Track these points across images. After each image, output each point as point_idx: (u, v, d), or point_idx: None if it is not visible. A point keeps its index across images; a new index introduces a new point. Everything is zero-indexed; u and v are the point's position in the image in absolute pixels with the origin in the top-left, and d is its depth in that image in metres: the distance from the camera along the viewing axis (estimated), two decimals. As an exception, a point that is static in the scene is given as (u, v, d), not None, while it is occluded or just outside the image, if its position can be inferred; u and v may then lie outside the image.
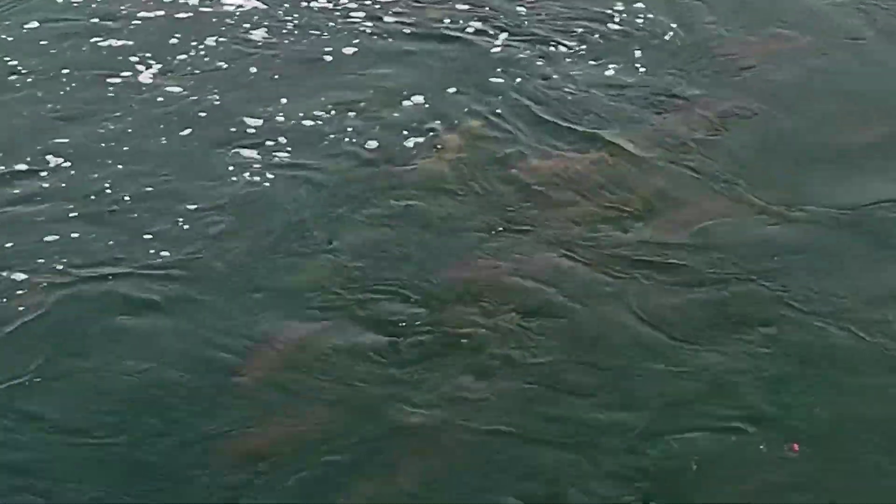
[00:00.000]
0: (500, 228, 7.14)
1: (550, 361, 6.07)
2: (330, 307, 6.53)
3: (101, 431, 5.69)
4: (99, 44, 9.14)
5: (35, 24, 9.44)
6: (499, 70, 8.78)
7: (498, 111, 8.24)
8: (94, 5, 9.72)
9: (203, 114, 8.24)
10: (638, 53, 8.89)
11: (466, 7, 9.65)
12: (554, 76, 8.68)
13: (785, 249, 6.83)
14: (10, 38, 9.40)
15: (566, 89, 8.46)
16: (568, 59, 9.00)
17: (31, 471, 5.54)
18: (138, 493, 5.48)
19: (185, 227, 7.07)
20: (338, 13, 9.66)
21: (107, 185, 7.49)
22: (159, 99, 8.55)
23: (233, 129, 8.08)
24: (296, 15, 9.69)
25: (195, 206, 7.30)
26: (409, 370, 6.10)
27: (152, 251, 6.76)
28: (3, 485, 5.57)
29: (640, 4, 9.62)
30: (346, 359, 6.14)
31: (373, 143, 7.87)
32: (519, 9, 9.71)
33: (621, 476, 5.41)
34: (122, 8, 9.66)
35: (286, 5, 9.76)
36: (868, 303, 6.33)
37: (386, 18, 9.56)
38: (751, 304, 6.39)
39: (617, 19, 9.38)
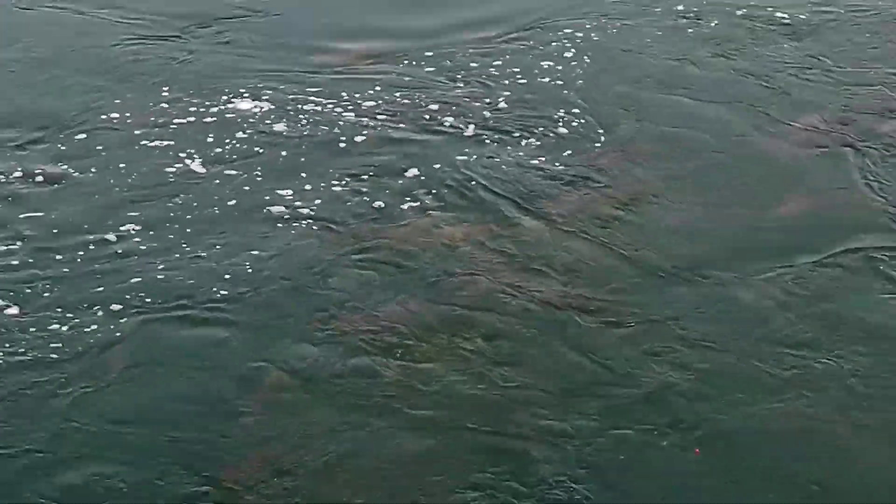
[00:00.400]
0: (458, 274, 7.93)
1: (515, 377, 6.90)
2: (335, 337, 7.24)
3: (159, 422, 6.49)
4: (147, 145, 9.71)
5: (82, 136, 9.79)
6: (466, 151, 9.55)
7: (464, 186, 9.03)
8: (129, 121, 10.08)
9: (246, 188, 9.04)
10: (569, 151, 9.61)
11: (437, 107, 10.25)
12: (505, 161, 9.39)
13: (682, 301, 7.74)
14: (61, 147, 9.81)
15: (513, 171, 9.23)
16: (514, 148, 9.66)
17: (106, 448, 6.28)
18: (182, 465, 6.23)
19: (235, 270, 7.90)
20: (335, 114, 10.19)
21: (180, 242, 8.30)
22: (213, 181, 9.28)
23: (267, 198, 8.93)
24: (305, 114, 10.24)
25: (243, 255, 8.14)
26: (398, 384, 6.75)
27: (214, 289, 7.67)
28: (88, 452, 6.27)
29: (577, 111, 10.28)
30: (343, 381, 6.78)
31: (378, 204, 8.81)
32: (486, 113, 10.28)
33: (566, 467, 6.12)
34: (154, 118, 10.16)
35: (290, 107, 10.23)
36: (749, 336, 7.28)
37: (379, 117, 10.20)
38: (661, 340, 7.26)
39: (560, 123, 10.04)
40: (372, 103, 10.41)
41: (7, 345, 7.04)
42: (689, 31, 12.12)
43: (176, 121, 9.99)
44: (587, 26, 11.87)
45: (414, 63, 11.12)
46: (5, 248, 8.10)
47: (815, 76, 11.12)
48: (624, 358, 7.12)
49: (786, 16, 12.18)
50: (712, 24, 12.20)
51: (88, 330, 7.14)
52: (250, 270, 7.89)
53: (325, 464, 6.23)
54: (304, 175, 9.25)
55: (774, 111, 10.47)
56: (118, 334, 7.16)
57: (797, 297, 7.70)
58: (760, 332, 7.35)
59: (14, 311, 7.36)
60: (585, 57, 11.17)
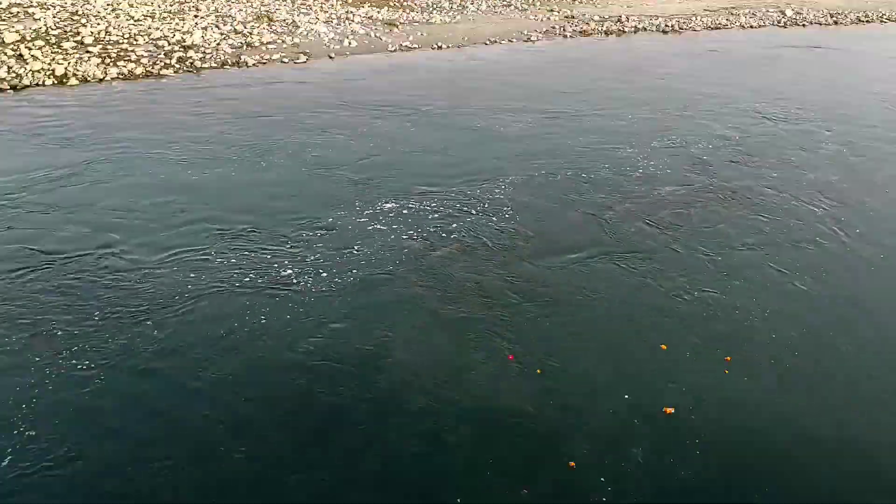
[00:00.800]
0: (466, 264, 9.53)
1: (491, 299, 8.73)
2: (423, 286, 8.89)
3: (349, 310, 8.28)
4: (356, 220, 10.61)
5: (332, 224, 10.71)
6: (471, 220, 10.93)
7: (470, 233, 10.53)
8: (344, 216, 10.83)
9: (400, 232, 10.42)
10: (509, 222, 10.91)
11: (459, 205, 11.43)
12: (485, 225, 10.79)
13: (545, 271, 9.46)
14: (319, 222, 10.72)
15: (487, 228, 10.70)
16: (488, 219, 11.03)
17: (322, 321, 8.01)
18: (357, 327, 7.98)
19: (390, 260, 9.62)
20: (422, 209, 11.19)
21: (364, 250, 9.90)
22: (390, 232, 10.48)
23: (404, 235, 10.34)
24: (412, 208, 11.22)
25: (395, 257, 9.69)
26: (441, 304, 8.51)
27: (386, 263, 9.44)
28: (323, 321, 8.05)
29: (509, 207, 11.37)
30: (419, 303, 8.55)
31: (443, 237, 10.33)
32: (480, 207, 11.42)
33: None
34: (353, 213, 10.95)
35: (404, 208, 11.13)
36: (563, 283, 9.18)
37: (438, 209, 11.24)
38: (540, 283, 9.07)
39: (503, 213, 11.29)
40: (437, 202, 11.57)
41: (300, 299, 8.63)
42: (571, 175, 12.96)
43: (365, 212, 11.09)
44: (512, 175, 12.80)
45: (447, 190, 12.08)
46: (303, 257, 9.59)
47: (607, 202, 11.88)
48: (530, 295, 8.93)
49: (590, 176, 12.92)
50: (567, 175, 12.99)
51: (340, 280, 9.04)
52: (397, 263, 9.58)
53: (412, 337, 7.97)
54: (419, 228, 10.71)
55: (581, 208, 11.66)
56: (352, 279, 9.10)
57: (582, 270, 9.65)
58: (568, 282, 9.24)
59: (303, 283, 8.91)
60: (511, 188, 12.23)
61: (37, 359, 7.51)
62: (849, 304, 8.77)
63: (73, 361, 7.50)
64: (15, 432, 6.20)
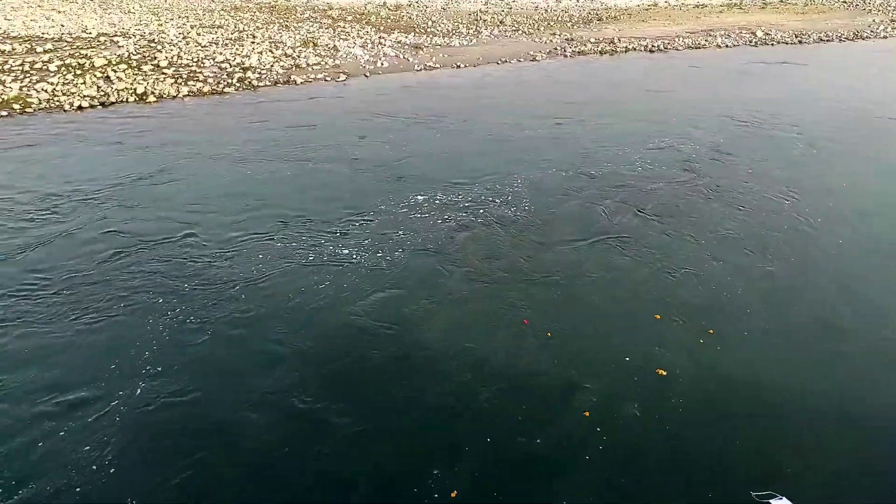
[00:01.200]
0: (475, 241, 9.56)
1: (499, 267, 8.76)
2: (447, 253, 8.89)
3: (399, 278, 8.22)
4: (400, 211, 10.78)
5: (375, 216, 10.63)
6: (490, 209, 10.70)
7: (482, 220, 10.34)
8: (387, 210, 10.80)
9: (435, 217, 10.48)
10: (514, 209, 10.88)
11: (482, 197, 11.06)
12: (497, 213, 10.53)
13: (543, 255, 9.32)
14: (368, 219, 10.49)
15: (498, 215, 10.55)
16: (500, 209, 10.77)
17: (368, 284, 8.00)
18: (401, 290, 8.05)
19: (425, 240, 9.63)
20: (452, 199, 11.33)
21: (412, 238, 10.06)
22: (430, 217, 10.57)
23: (439, 219, 10.42)
24: (441, 199, 11.34)
25: (432, 235, 9.58)
26: (459, 269, 8.50)
27: (395, 246, 9.36)
28: (371, 287, 8.26)
29: (527, 201, 11.12)
30: (440, 268, 8.52)
31: (466, 223, 10.44)
32: (502, 198, 11.25)
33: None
34: (394, 205, 10.95)
35: (436, 198, 10.96)
36: (566, 260, 9.16)
37: (466, 198, 11.11)
38: (538, 267, 9.12)
39: (519, 204, 11.00)
40: (462, 195, 11.64)
41: (360, 267, 8.93)
42: (575, 172, 12.66)
43: (402, 203, 11.23)
44: (525, 173, 12.73)
45: (470, 185, 12.07)
46: (357, 239, 9.69)
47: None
48: (541, 271, 9.07)
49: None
50: (572, 172, 12.62)
51: (387, 258, 9.26)
52: (432, 244, 9.77)
53: (446, 304, 8.09)
54: (448, 216, 10.81)
55: (584, 200, 11.43)
56: (395, 257, 9.31)
57: (585, 250, 9.74)
58: (573, 261, 9.45)
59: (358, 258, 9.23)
60: (524, 183, 12.17)
61: (149, 320, 7.98)
62: (810, 284, 9.11)
63: (179, 319, 7.97)
64: (143, 371, 7.05)
